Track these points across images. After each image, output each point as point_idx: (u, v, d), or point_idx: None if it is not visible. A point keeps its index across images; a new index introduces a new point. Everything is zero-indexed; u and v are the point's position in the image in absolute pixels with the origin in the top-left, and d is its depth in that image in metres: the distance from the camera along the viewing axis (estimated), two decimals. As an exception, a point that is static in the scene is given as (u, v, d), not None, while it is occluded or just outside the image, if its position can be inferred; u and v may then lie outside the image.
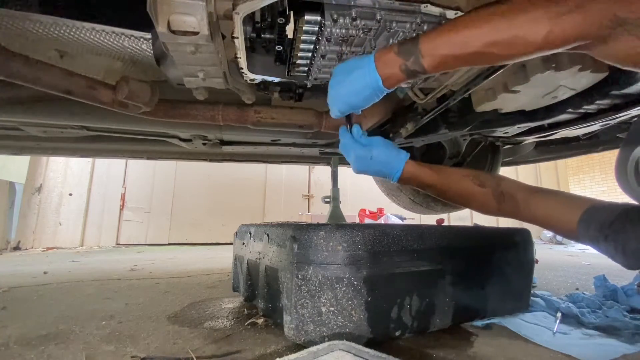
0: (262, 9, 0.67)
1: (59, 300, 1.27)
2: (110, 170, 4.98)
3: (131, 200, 5.06)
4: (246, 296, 1.09)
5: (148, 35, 0.81)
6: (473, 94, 1.06)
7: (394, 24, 0.68)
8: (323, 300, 0.72)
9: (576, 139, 1.58)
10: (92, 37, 0.82)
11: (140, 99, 0.96)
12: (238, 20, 0.65)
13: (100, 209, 4.85)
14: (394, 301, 0.79)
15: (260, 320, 0.97)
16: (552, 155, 1.87)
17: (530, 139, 1.49)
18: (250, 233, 1.12)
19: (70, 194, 4.69)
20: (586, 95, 0.91)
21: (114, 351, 0.77)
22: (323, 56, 0.77)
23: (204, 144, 1.59)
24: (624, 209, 0.55)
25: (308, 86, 0.94)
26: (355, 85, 0.64)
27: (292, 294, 0.74)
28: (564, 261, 2.83)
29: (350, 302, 0.73)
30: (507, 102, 1.00)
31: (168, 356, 0.74)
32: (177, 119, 1.15)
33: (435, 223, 2.88)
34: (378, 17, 0.66)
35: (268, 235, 0.94)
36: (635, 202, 0.57)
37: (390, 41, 0.74)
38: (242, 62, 0.80)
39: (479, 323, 0.96)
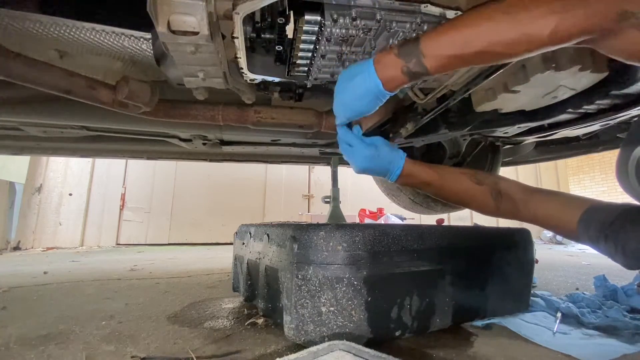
0: (262, 9, 0.67)
1: (59, 300, 1.27)
2: (110, 170, 4.98)
3: (131, 200, 5.06)
4: (246, 296, 1.09)
5: (148, 35, 0.81)
6: (473, 94, 1.06)
7: (394, 24, 0.68)
8: (323, 300, 0.72)
9: (576, 139, 1.58)
10: (92, 37, 0.82)
11: (140, 99, 0.96)
12: (238, 20, 0.65)
13: (100, 209, 4.85)
14: (394, 301, 0.79)
15: (260, 320, 0.97)
16: (552, 155, 1.87)
17: (530, 139, 1.49)
18: (250, 233, 1.12)
19: (70, 194, 4.69)
20: (586, 95, 0.91)
21: (114, 351, 0.77)
22: (323, 56, 0.77)
23: (204, 144, 1.59)
24: (624, 209, 0.55)
25: (308, 86, 0.94)
26: (357, 91, 0.63)
27: (292, 294, 0.74)
28: (564, 261, 2.83)
29: (350, 302, 0.73)
30: (507, 102, 1.00)
31: (168, 356, 0.74)
32: (177, 119, 1.15)
33: (435, 223, 2.88)
34: (378, 17, 0.66)
35: (268, 235, 0.94)
36: (636, 202, 0.57)
37: (391, 41, 0.74)
38: (242, 62, 0.80)
39: (479, 323, 0.96)
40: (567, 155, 1.82)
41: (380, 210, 4.58)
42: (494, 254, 0.98)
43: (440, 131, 1.24)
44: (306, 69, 0.83)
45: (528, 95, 0.93)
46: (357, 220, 4.32)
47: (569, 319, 0.99)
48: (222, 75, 0.84)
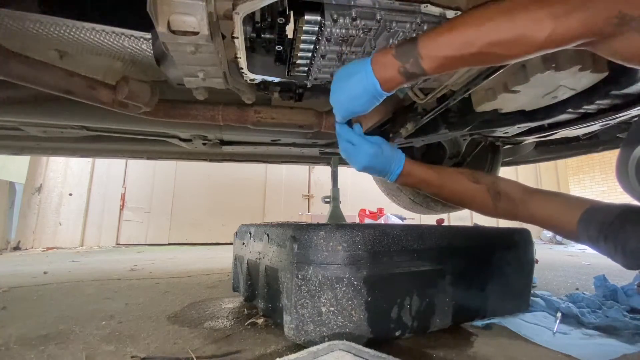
0: (262, 9, 0.67)
1: (59, 300, 1.27)
2: (110, 170, 4.98)
3: (131, 200, 5.06)
4: (246, 296, 1.09)
5: (148, 35, 0.81)
6: (473, 94, 1.06)
7: (394, 24, 0.68)
8: (323, 300, 0.72)
9: (576, 139, 1.58)
10: (92, 37, 0.82)
11: (140, 99, 0.96)
12: (238, 20, 0.65)
13: (100, 209, 4.85)
14: (394, 301, 0.79)
15: (260, 320, 0.97)
16: (552, 155, 1.87)
17: (530, 139, 1.49)
18: (250, 233, 1.12)
19: (70, 194, 4.69)
20: (586, 95, 0.91)
21: (114, 351, 0.77)
22: (323, 56, 0.77)
23: (204, 144, 1.59)
24: (623, 210, 0.55)
25: (308, 86, 0.94)
26: (354, 90, 0.63)
27: (292, 294, 0.74)
28: (564, 261, 2.83)
29: (350, 302, 0.73)
30: (507, 102, 1.00)
31: (168, 356, 0.74)
32: (177, 119, 1.15)
33: (435, 223, 2.88)
34: (378, 17, 0.66)
35: (268, 235, 0.94)
36: (635, 202, 0.57)
37: (390, 41, 0.74)
38: (242, 62, 0.80)
39: (479, 323, 0.96)
40: (567, 155, 1.82)
41: (380, 210, 4.58)
42: (494, 254, 0.98)
43: (440, 131, 1.24)
44: (306, 69, 0.83)
45: (528, 95, 0.93)
46: (357, 220, 4.32)
47: (569, 319, 0.99)
48: (222, 75, 0.84)
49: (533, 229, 1.05)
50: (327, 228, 0.77)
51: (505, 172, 1.67)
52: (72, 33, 0.81)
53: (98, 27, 0.78)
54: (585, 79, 0.84)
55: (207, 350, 0.78)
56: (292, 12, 0.66)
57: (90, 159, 4.79)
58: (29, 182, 4.35)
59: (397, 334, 0.79)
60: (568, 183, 7.59)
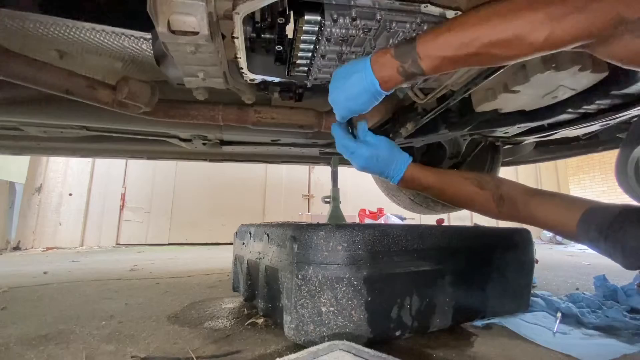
0: (262, 9, 0.67)
1: (59, 300, 1.27)
2: (110, 170, 4.98)
3: (131, 200, 5.06)
4: (246, 296, 1.09)
5: (148, 35, 0.81)
6: (473, 94, 1.06)
7: (393, 24, 0.68)
8: (323, 300, 0.72)
9: (576, 139, 1.58)
10: (92, 37, 0.82)
11: (140, 99, 0.96)
12: (238, 20, 0.65)
13: (100, 209, 4.85)
14: (394, 301, 0.79)
15: (260, 320, 0.97)
16: (552, 155, 1.87)
17: (530, 139, 1.49)
18: (250, 233, 1.12)
19: (70, 194, 4.69)
20: (586, 95, 0.91)
21: (114, 351, 0.77)
22: (323, 56, 0.77)
23: (204, 144, 1.59)
24: (623, 210, 0.55)
25: (308, 86, 0.95)
26: (353, 89, 0.64)
27: (292, 294, 0.74)
28: (564, 261, 2.83)
29: (350, 302, 0.73)
30: (507, 102, 1.00)
31: (168, 356, 0.74)
32: (177, 119, 1.15)
33: (435, 223, 2.88)
34: (378, 17, 0.66)
35: (268, 235, 0.94)
36: (635, 203, 0.57)
37: (390, 41, 0.74)
38: (242, 62, 0.80)
39: (479, 323, 0.96)
40: (567, 155, 1.82)
41: (380, 210, 4.58)
42: (494, 254, 0.98)
43: (440, 131, 1.24)
44: (306, 69, 0.83)
45: (528, 95, 0.93)
46: (357, 220, 4.32)
47: (569, 319, 0.99)
48: (222, 75, 0.84)
49: (533, 229, 1.05)
50: (327, 228, 0.77)
51: (505, 172, 1.67)
52: (72, 33, 0.81)
53: (98, 27, 0.78)
54: (585, 79, 0.84)
55: (207, 350, 0.78)
56: (292, 12, 0.66)
57: (90, 159, 4.79)
58: (29, 182, 4.35)
59: (397, 334, 0.79)
60: (568, 183, 7.59)
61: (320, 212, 5.13)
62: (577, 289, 1.51)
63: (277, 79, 0.89)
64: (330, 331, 0.72)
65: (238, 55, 0.78)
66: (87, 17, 0.76)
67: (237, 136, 1.54)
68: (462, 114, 1.16)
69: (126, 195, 5.05)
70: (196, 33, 0.64)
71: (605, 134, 1.41)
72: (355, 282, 0.74)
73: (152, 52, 0.86)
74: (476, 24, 0.52)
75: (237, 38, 0.70)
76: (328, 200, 1.53)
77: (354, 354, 0.61)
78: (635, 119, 1.03)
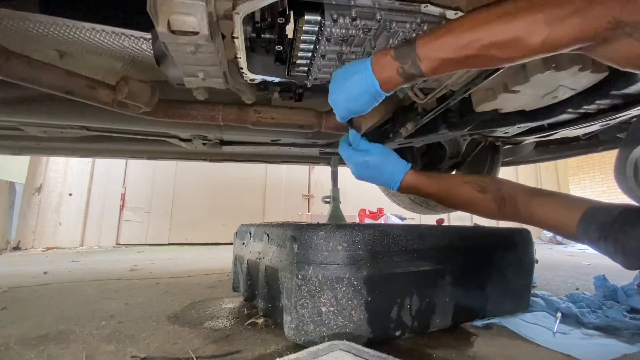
0: (262, 9, 0.67)
1: (59, 300, 1.27)
2: (110, 170, 4.98)
3: (131, 200, 5.06)
4: (246, 296, 1.09)
5: (148, 35, 0.81)
6: (473, 94, 1.06)
7: (393, 24, 0.68)
8: (323, 300, 0.72)
9: (576, 139, 1.58)
10: (92, 37, 0.82)
11: (140, 99, 0.96)
12: (238, 20, 0.65)
13: (100, 209, 4.85)
14: (394, 301, 0.79)
15: (260, 320, 0.97)
16: (552, 155, 1.87)
17: (530, 139, 1.49)
18: (250, 233, 1.12)
19: (70, 194, 4.69)
20: (586, 95, 0.91)
21: (114, 351, 0.77)
22: (323, 56, 0.77)
23: (204, 144, 1.59)
24: (624, 210, 0.55)
25: (308, 86, 0.94)
26: (353, 90, 0.64)
27: (292, 294, 0.74)
28: (564, 261, 2.83)
29: (350, 302, 0.73)
30: (507, 102, 1.00)
31: (168, 356, 0.74)
32: (177, 119, 1.15)
33: (435, 223, 2.88)
34: (378, 17, 0.66)
35: (268, 235, 0.94)
36: (634, 203, 0.57)
37: (391, 41, 0.74)
38: (242, 62, 0.80)
39: (479, 323, 0.96)
40: (567, 155, 1.82)
41: (380, 210, 4.58)
42: (494, 254, 0.98)
43: (440, 131, 1.24)
44: (306, 69, 0.83)
45: (528, 95, 0.93)
46: (357, 220, 4.32)
47: (569, 319, 0.99)
48: (222, 75, 0.84)
49: (533, 229, 1.05)
50: (327, 228, 0.77)
51: (505, 172, 1.67)
52: (72, 33, 0.81)
53: (98, 27, 0.78)
54: (585, 79, 0.84)
55: (207, 350, 0.78)
56: (292, 12, 0.66)
57: (90, 159, 4.78)
58: (29, 182, 4.35)
59: (397, 334, 0.79)
60: (568, 183, 7.59)
61: (320, 212, 5.12)
62: (577, 289, 1.51)
63: (277, 79, 0.89)
64: (330, 331, 0.72)
65: (238, 55, 0.78)
66: (87, 17, 0.76)
67: (237, 136, 1.55)
68: (462, 114, 1.16)
69: (126, 195, 5.05)
70: (196, 33, 0.64)
71: (605, 134, 1.41)
72: (355, 282, 0.74)
73: (152, 52, 0.86)
74: (475, 25, 0.52)
75: (237, 38, 0.70)
76: (328, 200, 1.53)
77: (354, 354, 0.61)
78: (635, 119, 1.03)
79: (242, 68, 0.83)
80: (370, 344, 0.67)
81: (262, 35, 0.74)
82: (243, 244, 1.18)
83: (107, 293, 1.40)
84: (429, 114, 1.09)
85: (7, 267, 2.39)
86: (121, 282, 1.67)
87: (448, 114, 1.18)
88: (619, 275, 1.65)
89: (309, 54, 0.77)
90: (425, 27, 0.70)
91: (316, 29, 0.68)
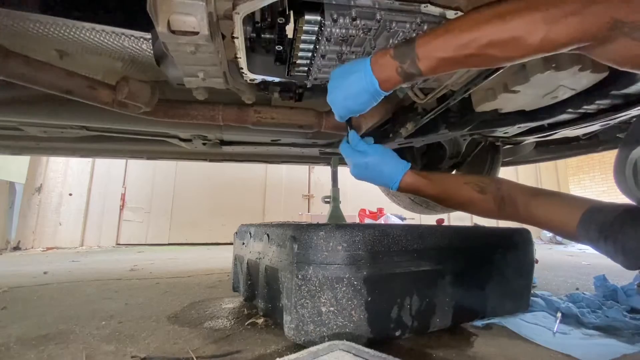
0: (262, 9, 0.67)
1: (59, 300, 1.27)
2: (110, 170, 4.98)
3: (131, 200, 5.06)
4: (246, 296, 1.09)
5: (148, 35, 0.81)
6: (473, 94, 1.06)
7: (393, 24, 0.68)
8: (323, 300, 0.72)
9: (576, 139, 1.59)
10: (92, 37, 0.82)
11: (140, 99, 0.96)
12: (238, 20, 0.65)
13: (100, 209, 4.85)
14: (394, 301, 0.79)
15: (260, 320, 0.97)
16: (552, 155, 1.87)
17: (530, 139, 1.49)
18: (250, 233, 1.12)
19: (70, 194, 4.69)
20: (586, 95, 0.91)
21: (114, 351, 0.77)
22: (323, 56, 0.77)
23: (204, 144, 1.59)
24: (624, 210, 0.55)
25: (308, 86, 0.95)
26: (352, 89, 0.64)
27: (292, 294, 0.74)
28: (564, 261, 2.83)
29: (350, 302, 0.73)
30: (507, 102, 1.00)
31: (168, 356, 0.74)
32: (177, 119, 1.15)
33: (435, 223, 2.88)
34: (378, 17, 0.66)
35: (268, 235, 0.94)
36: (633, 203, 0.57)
37: (390, 41, 0.74)
38: (242, 62, 0.80)
39: (479, 323, 0.96)
40: (567, 155, 1.82)
41: (380, 210, 4.58)
42: (494, 254, 0.98)
43: (440, 131, 1.24)
44: (306, 68, 0.83)
45: (528, 95, 0.93)
46: (357, 220, 4.32)
47: (569, 319, 0.99)
48: (222, 75, 0.84)
49: (533, 229, 1.05)
50: (327, 228, 0.77)
51: (505, 172, 1.66)
52: (72, 33, 0.81)
53: (98, 27, 0.78)
54: (585, 79, 0.84)
55: (207, 350, 0.78)
56: (292, 12, 0.66)
57: (90, 159, 4.78)
58: (29, 182, 4.35)
59: (397, 334, 0.79)
60: (568, 183, 7.59)
61: (320, 212, 5.12)
62: (577, 289, 1.51)
63: (277, 79, 0.89)
64: (330, 331, 0.72)
65: (238, 55, 0.78)
66: (87, 17, 0.76)
67: (237, 136, 1.55)
68: (462, 114, 1.16)
69: (126, 195, 5.05)
70: (196, 33, 0.64)
71: (605, 134, 1.41)
72: (355, 282, 0.74)
73: (152, 52, 0.86)
74: (474, 25, 0.52)
75: (237, 38, 0.70)
76: (328, 200, 1.53)
77: (354, 354, 0.61)
78: (635, 119, 1.03)
79: (242, 68, 0.83)
80: (370, 344, 0.67)
81: (262, 35, 0.74)
82: (243, 244, 1.18)
83: (107, 293, 1.40)
84: (429, 114, 1.09)
85: (7, 267, 2.39)
86: (121, 282, 1.67)
87: (448, 114, 1.18)
88: (619, 275, 1.65)
89: (309, 54, 0.77)
90: (425, 27, 0.70)
91: (316, 29, 0.68)
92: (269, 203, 5.69)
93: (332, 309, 0.72)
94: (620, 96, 0.91)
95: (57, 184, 4.62)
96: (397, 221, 3.91)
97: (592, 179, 7.44)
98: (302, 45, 0.74)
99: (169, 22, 0.61)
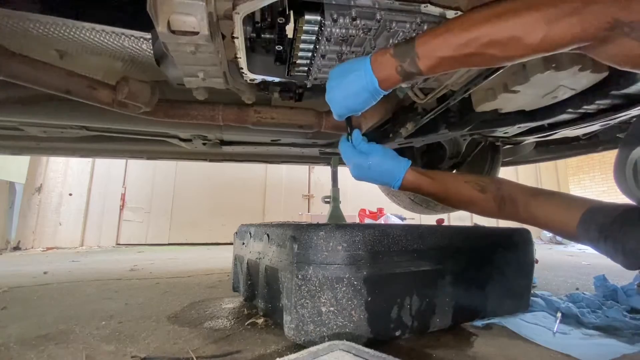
0: (262, 9, 0.67)
1: (59, 300, 1.27)
2: (110, 170, 4.98)
3: (131, 200, 5.06)
4: (246, 296, 1.09)
5: (148, 35, 0.81)
6: (473, 94, 1.06)
7: (393, 24, 0.68)
8: (323, 300, 0.72)
9: (576, 139, 1.58)
10: (92, 37, 0.82)
11: (140, 99, 0.96)
12: (238, 20, 0.65)
13: (100, 209, 4.85)
14: (394, 301, 0.79)
15: (260, 320, 0.97)
16: (552, 155, 1.87)
17: (530, 139, 1.49)
18: (250, 233, 1.12)
19: (70, 194, 4.69)
20: (586, 95, 0.91)
21: (114, 351, 0.77)
22: (323, 56, 0.77)
23: (204, 144, 1.59)
24: (624, 210, 0.55)
25: (308, 86, 0.95)
26: (352, 88, 0.64)
27: (292, 294, 0.74)
28: (564, 261, 2.83)
29: (350, 302, 0.73)
30: (507, 102, 1.00)
31: (168, 356, 0.74)
32: (177, 119, 1.15)
33: (435, 223, 2.88)
34: (378, 17, 0.66)
35: (268, 235, 0.94)
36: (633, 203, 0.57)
37: (390, 41, 0.74)
38: (242, 62, 0.80)
39: (479, 323, 0.96)
40: (567, 155, 1.82)
41: (380, 210, 4.58)
42: (494, 254, 0.98)
43: (440, 131, 1.24)
44: (306, 68, 0.83)
45: (528, 95, 0.93)
46: (357, 220, 4.32)
47: (569, 319, 0.99)
48: (222, 75, 0.84)
49: (533, 229, 1.05)
50: (327, 228, 0.77)
51: (505, 172, 1.66)
52: (72, 33, 0.81)
53: (98, 27, 0.78)
54: (585, 79, 0.84)
55: (207, 350, 0.78)
56: (292, 12, 0.66)
57: (90, 159, 4.78)
58: (29, 182, 4.35)
59: (397, 334, 0.79)
60: (568, 183, 7.59)
61: (320, 212, 5.13)
62: (577, 289, 1.51)
63: (277, 79, 0.89)
64: (330, 331, 0.72)
65: (238, 55, 0.78)
66: (87, 17, 0.76)
67: (237, 136, 1.55)
68: (462, 114, 1.16)
69: (126, 195, 5.05)
70: (196, 33, 0.64)
71: (605, 134, 1.41)
72: (355, 282, 0.74)
73: (152, 52, 0.86)
74: (474, 24, 0.52)
75: (237, 38, 0.70)
76: (328, 200, 1.53)
77: (354, 354, 0.61)
78: (635, 119, 1.03)
79: (242, 68, 0.83)
80: (370, 344, 0.67)
81: (262, 35, 0.74)
82: (243, 244, 1.18)
83: (107, 293, 1.40)
84: (429, 114, 1.09)
85: (7, 267, 2.39)
86: (121, 282, 1.67)
87: (448, 114, 1.18)
88: (619, 275, 1.65)
89: (309, 54, 0.77)
90: (425, 27, 0.70)
91: (316, 28, 0.68)
92: (269, 203, 5.69)
93: (332, 309, 0.72)
94: (620, 96, 0.91)
95: (57, 184, 4.62)
96: (397, 221, 3.91)
97: (592, 179, 7.44)
98: (302, 45, 0.74)
99: (169, 22, 0.61)
